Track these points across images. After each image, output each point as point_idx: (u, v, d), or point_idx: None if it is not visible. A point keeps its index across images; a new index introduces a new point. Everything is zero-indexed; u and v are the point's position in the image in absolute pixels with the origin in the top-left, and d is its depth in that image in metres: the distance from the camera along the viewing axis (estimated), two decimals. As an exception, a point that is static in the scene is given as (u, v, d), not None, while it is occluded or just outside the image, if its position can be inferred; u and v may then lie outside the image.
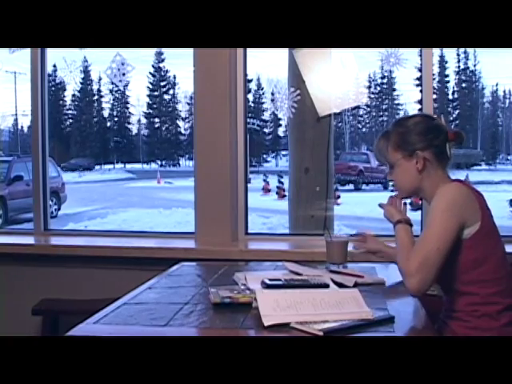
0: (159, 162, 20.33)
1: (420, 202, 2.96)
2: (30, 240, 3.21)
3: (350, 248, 2.17)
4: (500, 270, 1.73)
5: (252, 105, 17.19)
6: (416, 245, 1.70)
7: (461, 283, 1.73)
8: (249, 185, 3.22)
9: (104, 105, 19.59)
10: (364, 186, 13.90)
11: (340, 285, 1.83)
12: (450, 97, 18.46)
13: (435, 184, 1.79)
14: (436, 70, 17.30)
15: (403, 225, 1.81)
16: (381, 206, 1.96)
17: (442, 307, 1.84)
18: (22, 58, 3.38)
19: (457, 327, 1.74)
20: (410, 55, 3.10)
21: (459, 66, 18.32)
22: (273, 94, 3.29)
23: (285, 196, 10.39)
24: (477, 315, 1.71)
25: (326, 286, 1.76)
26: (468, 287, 1.72)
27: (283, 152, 17.74)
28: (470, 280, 1.71)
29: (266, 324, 1.44)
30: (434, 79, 3.17)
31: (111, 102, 19.59)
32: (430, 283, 1.63)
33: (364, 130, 19.46)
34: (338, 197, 10.27)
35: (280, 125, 18.05)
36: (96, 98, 19.38)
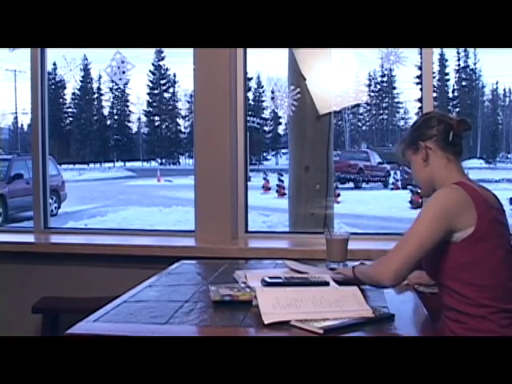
0: (159, 160, 20.33)
1: (420, 201, 2.96)
2: (30, 238, 3.22)
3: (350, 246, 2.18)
4: (496, 276, 1.70)
5: (252, 103, 17.19)
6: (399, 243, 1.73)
7: (452, 284, 1.72)
8: (249, 183, 3.22)
9: (104, 103, 19.59)
10: (364, 185, 13.91)
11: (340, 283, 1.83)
12: (450, 95, 18.46)
13: (443, 173, 1.83)
14: (436, 68, 17.30)
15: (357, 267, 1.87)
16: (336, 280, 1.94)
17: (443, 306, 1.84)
18: (21, 56, 3.39)
19: (456, 328, 1.74)
20: (410, 53, 3.10)
21: (459, 65, 18.31)
22: (273, 92, 3.29)
23: (285, 194, 10.39)
24: (471, 316, 1.70)
25: (326, 284, 1.77)
26: (460, 289, 1.71)
27: (283, 150, 17.74)
28: (461, 282, 1.70)
29: (266, 322, 1.44)
30: (434, 77, 3.17)
31: (111, 100, 19.59)
32: (404, 275, 1.67)
33: (364, 128, 19.46)
34: (338, 195, 10.27)
35: (280, 123, 18.05)
36: (96, 96, 19.38)
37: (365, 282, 1.79)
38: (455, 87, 18.51)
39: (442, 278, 1.76)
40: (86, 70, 17.40)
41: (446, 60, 17.92)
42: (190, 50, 3.04)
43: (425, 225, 1.69)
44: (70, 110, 19.49)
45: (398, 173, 13.20)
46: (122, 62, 3.22)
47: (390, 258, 1.69)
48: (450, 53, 17.79)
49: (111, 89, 19.06)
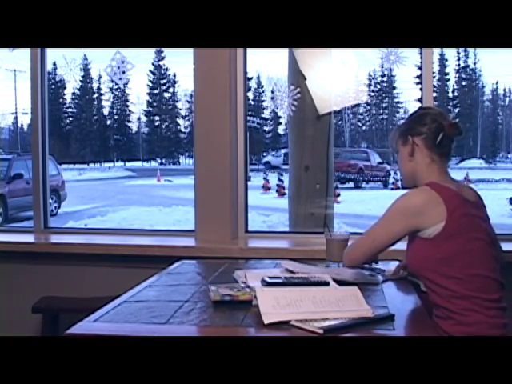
0: (159, 160, 20.34)
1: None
2: (30, 238, 3.21)
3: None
4: (474, 268, 1.74)
5: (252, 103, 17.21)
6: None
7: (436, 278, 1.77)
8: (249, 183, 3.22)
9: (104, 103, 19.61)
10: (364, 184, 13.91)
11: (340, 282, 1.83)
12: (450, 95, 18.47)
13: (424, 171, 1.89)
14: (436, 68, 17.32)
15: None
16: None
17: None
18: (22, 56, 3.39)
19: (447, 326, 1.75)
20: (410, 53, 3.09)
21: (459, 64, 18.32)
22: (273, 91, 3.29)
23: (285, 194, 10.39)
24: (460, 311, 1.73)
25: (326, 283, 1.77)
26: (444, 282, 1.75)
27: (283, 150, 17.75)
28: (443, 275, 1.75)
29: (266, 322, 1.44)
30: (434, 77, 3.18)
31: (111, 100, 19.61)
32: (357, 262, 1.95)
33: (364, 128, 19.47)
34: (338, 195, 10.28)
35: (280, 123, 18.06)
36: (96, 96, 19.40)
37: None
38: (455, 87, 18.52)
39: (425, 271, 1.80)
40: (86, 69, 17.41)
41: (446, 60, 17.94)
42: (190, 50, 3.04)
43: (385, 228, 1.84)
44: (70, 109, 19.51)
45: (398, 173, 13.17)
46: (122, 62, 3.22)
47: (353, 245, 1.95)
48: (450, 53, 17.81)
49: (111, 89, 19.08)
